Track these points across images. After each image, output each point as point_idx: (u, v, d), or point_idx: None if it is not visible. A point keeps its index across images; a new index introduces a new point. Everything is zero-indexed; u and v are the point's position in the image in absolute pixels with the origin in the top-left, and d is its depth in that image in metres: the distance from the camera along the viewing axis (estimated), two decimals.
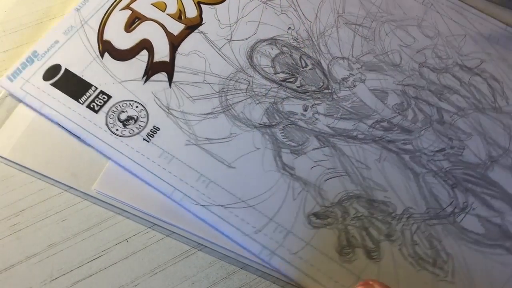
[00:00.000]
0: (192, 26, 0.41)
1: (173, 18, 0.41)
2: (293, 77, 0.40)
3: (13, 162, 0.35)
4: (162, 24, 0.41)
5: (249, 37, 0.41)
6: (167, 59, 0.39)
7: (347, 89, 0.40)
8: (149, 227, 0.35)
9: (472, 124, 0.40)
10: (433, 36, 0.43)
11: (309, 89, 0.40)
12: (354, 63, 0.41)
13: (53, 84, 0.37)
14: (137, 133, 0.36)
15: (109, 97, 0.37)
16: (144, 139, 0.36)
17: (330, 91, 0.40)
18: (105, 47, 0.39)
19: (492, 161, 0.39)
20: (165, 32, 0.40)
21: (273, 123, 0.38)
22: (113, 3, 0.41)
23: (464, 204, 0.37)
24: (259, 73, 0.40)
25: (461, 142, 0.39)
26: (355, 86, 0.40)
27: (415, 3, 0.44)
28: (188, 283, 0.33)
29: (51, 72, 0.38)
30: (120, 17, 0.40)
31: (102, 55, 0.39)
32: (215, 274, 0.34)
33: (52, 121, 0.37)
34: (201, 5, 0.42)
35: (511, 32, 0.44)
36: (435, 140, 0.39)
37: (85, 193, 0.35)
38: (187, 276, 0.34)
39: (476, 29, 0.44)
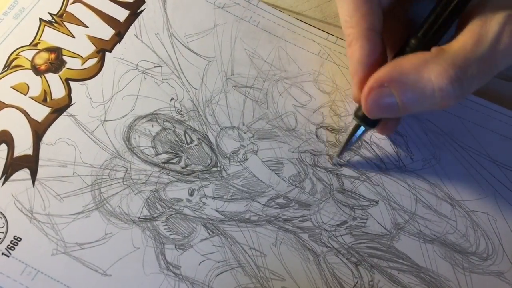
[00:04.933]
0: (60, 108, 0.36)
1: (37, 101, 0.36)
2: (176, 157, 0.36)
3: None
4: (24, 110, 0.36)
5: (126, 115, 0.37)
6: (30, 152, 0.35)
7: (238, 164, 0.37)
8: None
9: (375, 189, 0.37)
10: (330, 91, 0.40)
11: (196, 169, 0.36)
12: (245, 132, 0.38)
13: None
14: None
15: None
16: (3, 254, 0.32)
17: (219, 168, 0.36)
18: None
19: (398, 229, 0.36)
20: (28, 120, 0.36)
21: (155, 215, 0.34)
22: None
23: (370, 283, 0.34)
24: (138, 157, 0.36)
25: (364, 211, 0.36)
26: (246, 159, 0.37)
27: (310, 55, 0.41)
28: None
29: None
30: None
31: None
32: None
33: None
34: (70, 82, 0.37)
35: None
36: (335, 212, 0.36)
37: None
38: None
39: None
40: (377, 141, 0.39)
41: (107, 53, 0.39)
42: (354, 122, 0.35)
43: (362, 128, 0.35)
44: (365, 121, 0.34)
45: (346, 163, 0.37)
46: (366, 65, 0.33)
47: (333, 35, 0.42)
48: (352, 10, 0.33)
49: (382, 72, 0.31)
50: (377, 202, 0.36)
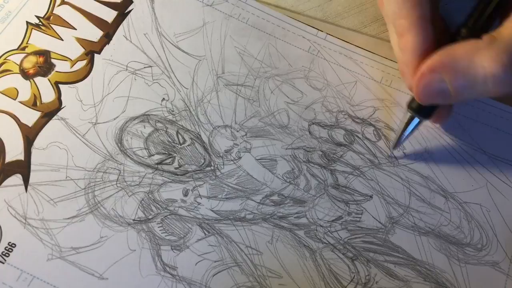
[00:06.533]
0: (50, 112, 0.36)
1: (27, 106, 0.36)
2: (170, 157, 0.36)
3: None
4: (14, 115, 0.36)
5: (117, 117, 0.37)
6: (21, 157, 0.34)
7: (231, 162, 0.36)
8: None
9: (368, 183, 0.37)
10: (321, 87, 0.40)
11: (189, 169, 0.36)
12: (237, 131, 0.38)
13: None
14: None
15: None
16: None
17: (212, 167, 0.36)
18: None
19: (393, 223, 0.36)
20: (18, 125, 0.35)
21: (150, 217, 0.34)
22: None
23: (366, 277, 0.34)
24: (131, 159, 0.36)
25: (359, 206, 0.36)
26: (240, 157, 0.37)
27: (300, 51, 0.41)
28: None
29: None
30: None
31: None
32: None
33: None
34: (59, 85, 0.37)
35: None
36: (330, 208, 0.36)
37: None
38: None
39: (367, 74, 0.41)
40: (369, 136, 0.39)
41: (96, 55, 0.38)
42: (408, 115, 0.35)
43: (416, 120, 0.35)
44: (419, 112, 0.35)
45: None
46: (420, 54, 0.33)
47: (322, 31, 0.42)
48: (400, 1, 0.33)
49: (433, 59, 0.31)
50: (371, 197, 0.36)
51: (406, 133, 0.36)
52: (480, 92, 0.31)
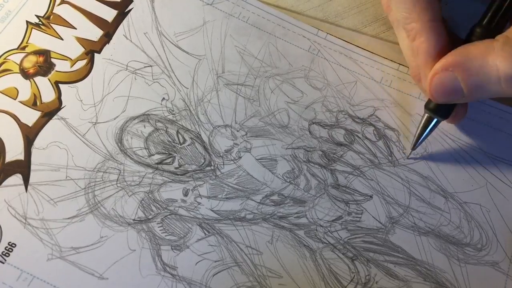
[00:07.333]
0: (50, 112, 0.36)
1: (27, 106, 0.36)
2: (170, 157, 0.36)
3: None
4: (14, 115, 0.36)
5: (117, 116, 0.37)
6: (21, 156, 0.34)
7: (231, 162, 0.36)
8: None
9: (369, 183, 0.37)
10: (321, 87, 0.40)
11: (189, 169, 0.36)
12: (238, 130, 0.38)
13: None
14: None
15: None
16: None
17: (212, 167, 0.36)
18: None
19: (393, 223, 0.36)
20: (18, 124, 0.35)
21: (150, 217, 0.34)
22: None
23: (366, 277, 0.34)
24: (131, 158, 0.36)
25: (359, 206, 0.36)
26: (240, 157, 0.37)
27: (301, 51, 0.41)
28: None
29: None
30: None
31: None
32: None
33: None
34: (60, 85, 0.37)
35: (404, 71, 0.41)
36: (330, 208, 0.36)
37: None
38: None
39: (367, 74, 0.41)
40: (369, 136, 0.39)
41: (96, 54, 0.38)
42: (425, 115, 0.36)
43: (434, 120, 0.36)
44: (437, 112, 0.35)
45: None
46: (435, 56, 0.33)
47: (323, 30, 0.42)
48: (410, 5, 0.33)
49: (447, 58, 0.32)
50: (371, 197, 0.36)
51: (424, 134, 0.36)
52: (493, 91, 0.31)
